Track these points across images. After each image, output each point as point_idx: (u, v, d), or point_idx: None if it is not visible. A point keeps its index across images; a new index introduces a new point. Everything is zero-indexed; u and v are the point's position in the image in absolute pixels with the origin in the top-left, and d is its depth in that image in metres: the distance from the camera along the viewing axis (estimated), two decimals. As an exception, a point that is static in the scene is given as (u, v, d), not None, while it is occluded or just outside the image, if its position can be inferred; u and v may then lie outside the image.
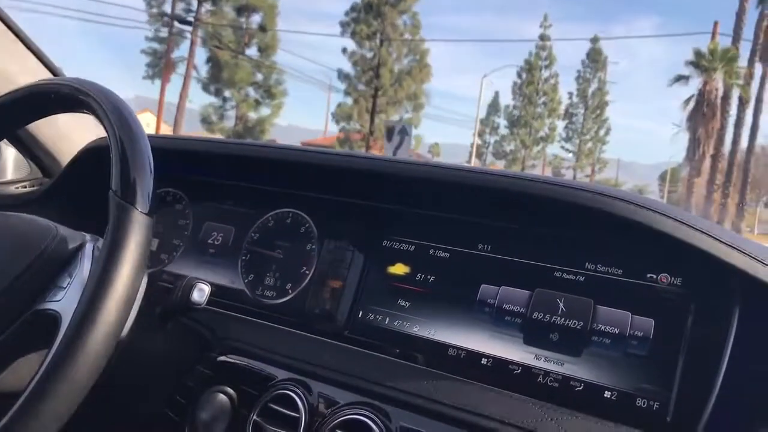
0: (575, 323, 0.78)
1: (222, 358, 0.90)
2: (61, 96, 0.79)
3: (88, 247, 0.75)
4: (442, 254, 0.89)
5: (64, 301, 0.69)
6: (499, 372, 0.80)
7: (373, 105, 25.05)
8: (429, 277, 0.88)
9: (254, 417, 0.79)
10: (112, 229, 0.65)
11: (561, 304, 0.80)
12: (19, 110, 0.85)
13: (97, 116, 0.75)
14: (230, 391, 0.84)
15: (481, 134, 40.07)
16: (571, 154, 42.70)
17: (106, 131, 0.72)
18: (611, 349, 0.76)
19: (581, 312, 0.78)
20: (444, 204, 0.90)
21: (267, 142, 1.16)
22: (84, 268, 0.72)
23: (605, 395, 0.74)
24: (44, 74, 1.24)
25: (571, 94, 41.35)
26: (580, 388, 0.76)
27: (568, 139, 42.40)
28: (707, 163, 24.89)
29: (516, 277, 0.83)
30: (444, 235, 0.89)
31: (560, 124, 40.75)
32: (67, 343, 0.60)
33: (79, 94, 0.77)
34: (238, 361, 0.88)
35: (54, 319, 0.67)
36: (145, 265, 0.67)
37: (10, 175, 1.33)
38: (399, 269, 0.91)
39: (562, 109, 39.82)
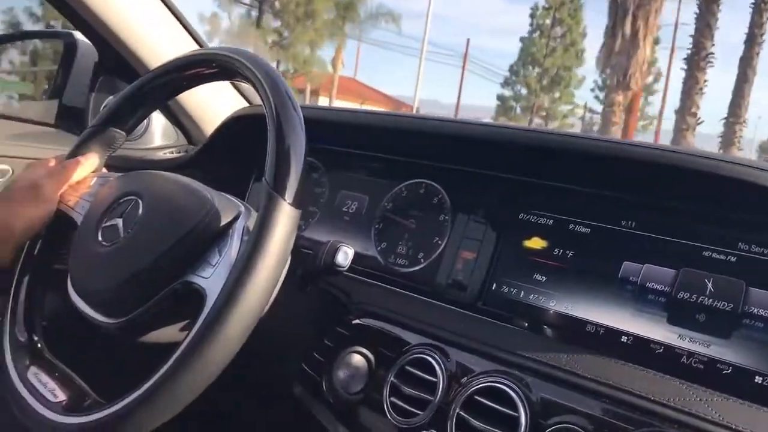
0: (724, 305, 0.75)
1: (358, 321, 0.93)
2: (221, 65, 0.83)
3: (239, 225, 0.77)
4: (583, 229, 0.87)
5: (212, 280, 0.71)
6: (640, 350, 0.78)
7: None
8: (567, 252, 0.87)
9: (391, 378, 0.82)
10: (261, 219, 0.68)
11: (709, 285, 0.77)
12: (180, 77, 0.90)
13: (254, 87, 0.78)
14: (367, 352, 0.88)
15: (509, 84, 33.65)
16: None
17: (264, 105, 0.75)
18: (764, 333, 0.73)
19: (732, 294, 0.75)
20: (585, 177, 0.89)
21: (401, 113, 1.17)
22: (233, 247, 0.74)
23: (756, 380, 0.71)
24: (193, 47, 1.31)
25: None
26: (728, 371, 0.73)
27: (603, 87, 34.80)
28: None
29: (661, 256, 0.81)
30: (585, 209, 0.88)
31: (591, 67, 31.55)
32: (209, 324, 0.64)
33: (237, 63, 0.80)
34: (373, 325, 0.91)
35: (200, 294, 0.70)
36: (288, 255, 0.69)
37: (158, 141, 1.42)
38: (536, 243, 0.90)
39: (585, 42, 31.40)
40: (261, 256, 0.66)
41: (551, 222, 0.90)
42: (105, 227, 0.80)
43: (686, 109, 18.07)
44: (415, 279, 1.00)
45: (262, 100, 0.76)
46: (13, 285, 0.88)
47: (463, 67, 34.37)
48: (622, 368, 0.74)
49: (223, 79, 0.87)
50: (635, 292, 0.81)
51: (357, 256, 1.06)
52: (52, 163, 0.94)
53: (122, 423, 0.65)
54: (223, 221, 0.77)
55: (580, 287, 0.85)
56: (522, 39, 32.84)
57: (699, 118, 17.93)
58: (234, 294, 0.65)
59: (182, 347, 0.65)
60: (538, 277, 0.88)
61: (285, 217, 0.68)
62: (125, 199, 0.82)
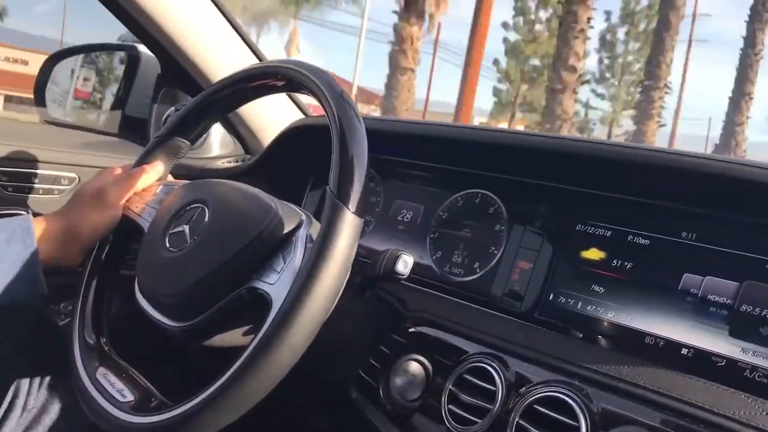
0: None
1: (414, 329, 0.94)
2: (286, 77, 0.86)
3: (302, 233, 0.78)
4: (642, 241, 0.87)
5: (277, 286, 0.73)
6: (701, 363, 0.78)
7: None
8: (626, 263, 0.87)
9: (450, 386, 0.83)
10: (326, 227, 0.69)
11: None
12: (244, 90, 0.93)
13: (318, 99, 0.81)
14: (424, 360, 0.89)
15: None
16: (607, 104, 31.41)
17: (328, 117, 0.77)
18: None
19: None
20: (644, 188, 0.88)
21: (455, 124, 1.19)
22: (297, 255, 0.76)
23: (823, 396, 0.70)
24: (252, 60, 1.35)
25: (608, 13, 29.58)
26: (794, 386, 0.72)
27: (601, 80, 31.34)
28: None
29: (723, 268, 0.80)
30: (644, 221, 0.88)
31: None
32: (274, 329, 0.66)
33: (300, 76, 0.83)
34: (430, 333, 0.92)
35: (266, 300, 0.72)
36: (351, 263, 0.71)
37: (216, 151, 1.46)
38: (593, 254, 0.90)
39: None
40: (325, 264, 0.68)
41: (609, 233, 0.90)
42: (172, 233, 0.83)
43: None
44: (470, 288, 1.01)
45: (326, 111, 0.78)
46: (82, 288, 0.92)
47: (434, 55, 31.44)
48: (684, 380, 0.73)
49: (288, 91, 0.90)
50: (696, 305, 0.80)
51: (413, 265, 1.08)
52: (118, 171, 0.98)
53: (189, 423, 0.67)
54: (287, 229, 0.79)
55: (639, 299, 0.85)
56: (504, 24, 30.09)
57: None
58: (299, 300, 0.66)
59: (249, 351, 0.67)
60: (596, 288, 0.88)
61: (348, 226, 0.70)
62: (192, 206, 0.85)
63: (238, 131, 1.41)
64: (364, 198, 0.73)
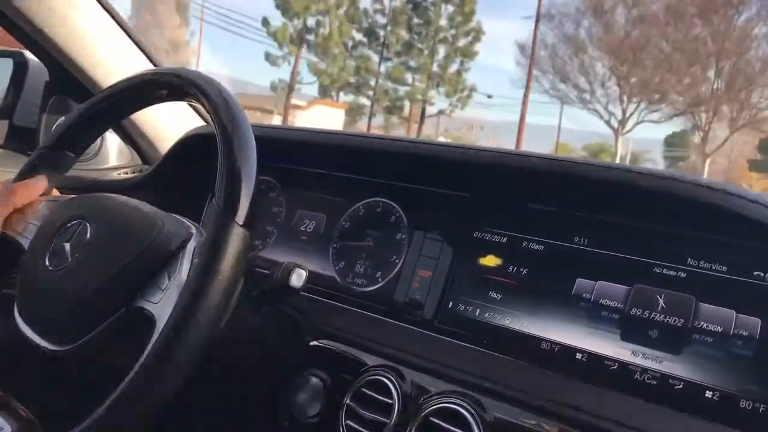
0: (676, 320, 0.76)
1: (315, 342, 0.92)
2: (171, 86, 0.82)
3: (189, 248, 0.75)
4: (536, 247, 0.88)
5: (160, 305, 0.70)
6: (595, 367, 0.79)
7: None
8: (522, 269, 0.88)
9: (347, 401, 0.81)
10: (210, 240, 0.67)
11: (661, 301, 0.78)
12: (129, 99, 0.89)
13: (205, 108, 0.78)
14: (323, 375, 0.87)
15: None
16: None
17: (214, 126, 0.74)
18: (714, 349, 0.74)
19: (682, 309, 0.76)
20: (538, 195, 0.89)
21: (357, 132, 1.17)
22: (183, 271, 0.72)
23: (706, 395, 0.72)
24: (145, 65, 1.30)
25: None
26: (680, 386, 0.74)
27: (408, 50, 26.28)
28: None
29: (614, 272, 0.82)
30: (538, 227, 0.88)
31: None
32: (157, 351, 0.63)
33: (187, 84, 0.80)
34: (331, 346, 0.90)
35: (150, 320, 0.69)
36: (240, 277, 0.68)
37: (112, 162, 1.40)
38: (490, 261, 0.91)
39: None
40: (211, 279, 0.65)
41: (505, 239, 0.90)
42: (52, 252, 0.78)
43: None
44: (373, 298, 0.99)
45: (212, 120, 0.75)
46: None
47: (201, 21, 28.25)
48: (577, 387, 0.74)
49: (174, 100, 0.86)
50: (589, 309, 0.81)
51: (315, 276, 1.05)
52: None
53: None
54: (174, 244, 0.75)
55: (534, 305, 0.85)
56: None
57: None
58: (183, 319, 0.63)
59: (131, 375, 0.63)
60: (493, 294, 0.89)
61: (236, 238, 0.67)
62: (73, 222, 0.80)
63: (135, 140, 1.36)
64: (253, 209, 0.70)
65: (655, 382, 0.75)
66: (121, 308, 0.72)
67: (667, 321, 0.77)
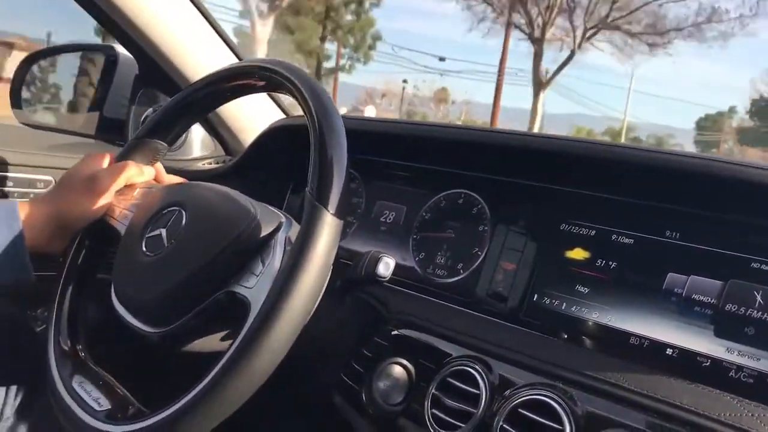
0: None
1: (397, 331, 0.93)
2: (264, 77, 0.84)
3: (281, 236, 0.77)
4: (626, 240, 0.86)
5: (255, 290, 0.72)
6: (686, 363, 0.77)
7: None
8: (610, 263, 0.86)
9: (433, 390, 0.81)
10: (305, 229, 0.68)
11: (759, 297, 0.75)
12: (221, 90, 0.92)
13: (297, 99, 0.79)
14: (407, 363, 0.87)
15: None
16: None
17: (306, 116, 0.76)
18: None
19: None
20: (628, 187, 0.87)
21: (438, 123, 1.17)
22: (276, 257, 0.74)
23: (808, 396, 0.70)
24: (231, 59, 1.33)
25: None
26: (779, 386, 0.72)
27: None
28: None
29: (707, 267, 0.79)
30: (628, 220, 0.87)
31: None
32: (253, 333, 0.64)
33: (279, 76, 0.81)
34: (413, 336, 0.91)
35: (244, 304, 0.71)
36: (331, 264, 0.69)
37: (196, 152, 1.44)
38: (577, 254, 0.89)
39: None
40: (305, 266, 0.66)
41: (593, 233, 0.89)
42: (149, 237, 0.82)
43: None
44: (454, 290, 0.99)
45: (304, 111, 0.77)
46: (58, 294, 0.90)
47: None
48: (669, 381, 0.72)
49: (266, 91, 0.88)
50: (680, 304, 0.80)
51: (395, 267, 1.06)
52: (107, 158, 0.95)
53: (166, 431, 0.66)
54: (266, 231, 0.77)
55: (623, 299, 0.84)
56: None
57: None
58: (278, 303, 0.65)
59: (228, 355, 0.65)
60: (580, 288, 0.87)
61: (328, 228, 0.69)
62: (169, 209, 0.83)
63: (218, 132, 1.39)
64: (345, 199, 0.71)
65: (751, 381, 0.73)
66: (216, 293, 0.74)
67: (765, 318, 0.74)
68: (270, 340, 0.64)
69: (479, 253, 0.99)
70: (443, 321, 0.91)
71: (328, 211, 0.69)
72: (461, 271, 1.00)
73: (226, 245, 0.75)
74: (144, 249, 0.81)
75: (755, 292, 0.76)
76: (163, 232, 0.81)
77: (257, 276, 0.74)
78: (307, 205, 0.70)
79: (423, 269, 1.04)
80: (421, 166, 1.12)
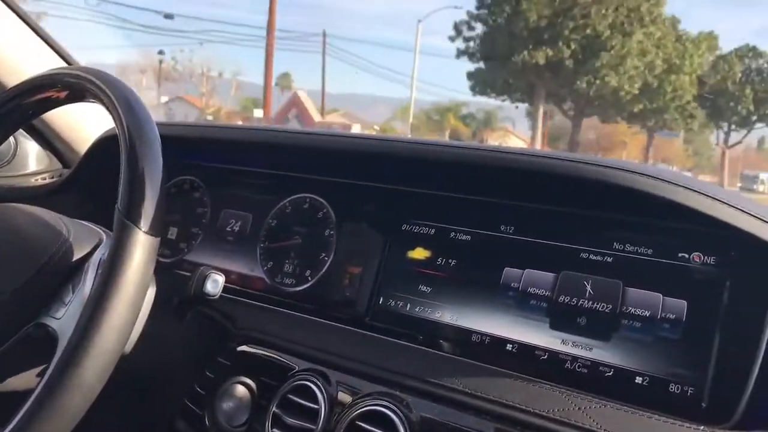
0: (604, 306, 0.75)
1: (242, 348, 0.88)
2: (70, 86, 0.77)
3: (95, 257, 0.72)
4: (464, 237, 0.86)
5: (64, 319, 0.67)
6: (525, 358, 0.77)
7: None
8: (450, 261, 0.85)
9: (273, 408, 0.78)
10: (113, 250, 0.62)
11: (588, 287, 0.76)
12: (27, 103, 0.83)
13: (106, 108, 0.73)
14: (250, 381, 0.83)
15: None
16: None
17: (117, 129, 0.70)
18: (642, 333, 0.73)
19: (610, 294, 0.75)
20: (464, 185, 0.87)
21: (281, 127, 1.13)
22: (87, 283, 0.70)
23: (636, 381, 0.71)
24: (58, 64, 1.23)
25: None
26: (610, 373, 0.73)
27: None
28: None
29: (541, 260, 0.80)
30: (465, 217, 0.86)
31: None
32: (60, 370, 0.59)
33: (86, 83, 0.75)
34: (257, 351, 0.87)
35: (52, 336, 0.66)
36: (147, 287, 0.64)
37: (31, 167, 1.32)
38: (419, 253, 0.88)
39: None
40: (115, 290, 0.61)
41: (433, 231, 0.88)
42: None
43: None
44: (303, 298, 0.96)
45: (114, 121, 0.71)
46: None
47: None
48: (506, 380, 0.72)
49: (73, 102, 0.81)
50: (517, 298, 0.80)
51: (242, 278, 1.02)
52: None
53: None
54: (79, 254, 0.72)
55: (464, 296, 0.83)
56: None
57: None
58: (87, 333, 0.59)
59: (34, 395, 0.59)
60: (423, 288, 0.86)
61: (140, 247, 0.63)
62: None
63: (52, 144, 1.28)
64: (159, 215, 0.66)
65: (585, 371, 0.74)
66: (24, 326, 0.69)
67: (596, 307, 0.76)
68: (79, 376, 0.59)
69: (326, 258, 0.96)
70: (289, 333, 0.88)
71: (140, 228, 0.64)
72: (309, 278, 0.96)
73: (34, 273, 0.69)
74: None
75: (585, 282, 0.77)
76: None
77: (66, 305, 0.69)
78: (116, 224, 0.64)
79: (272, 279, 1.00)
80: (266, 172, 1.07)
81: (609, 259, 0.77)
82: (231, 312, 0.94)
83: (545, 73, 23.43)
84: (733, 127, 38.41)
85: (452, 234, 0.87)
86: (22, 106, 0.83)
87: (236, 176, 1.10)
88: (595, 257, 0.77)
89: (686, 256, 0.73)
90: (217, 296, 0.79)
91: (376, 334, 0.86)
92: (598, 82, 24.35)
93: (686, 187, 0.70)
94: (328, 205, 0.99)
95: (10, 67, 1.14)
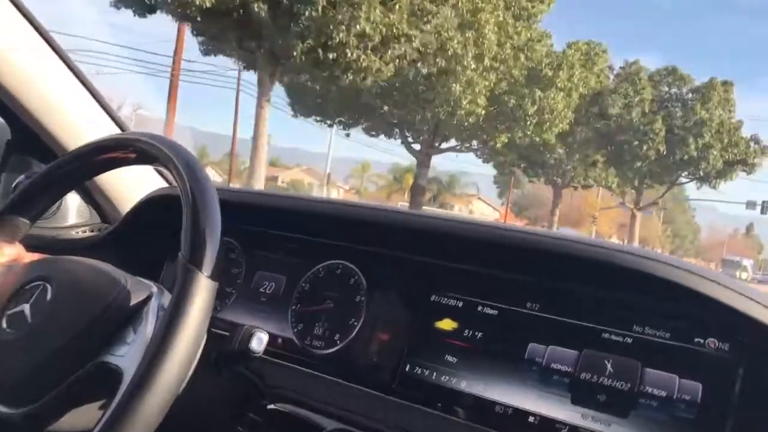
0: (623, 384, 0.79)
1: (272, 406, 0.92)
2: (138, 150, 0.84)
3: (153, 303, 0.77)
4: (491, 311, 0.91)
5: (127, 358, 0.71)
6: (547, 430, 0.81)
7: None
8: (477, 333, 0.90)
9: None
10: (178, 292, 0.67)
11: (609, 366, 0.81)
12: (94, 163, 0.90)
13: (171, 172, 0.79)
14: None
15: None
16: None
17: (179, 188, 0.76)
18: (659, 412, 0.77)
19: (629, 374, 0.80)
20: (492, 262, 0.93)
21: (320, 198, 1.20)
22: (148, 325, 0.74)
23: (653, 458, 0.75)
24: (111, 129, 1.31)
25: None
26: (628, 450, 0.76)
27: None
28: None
29: (564, 337, 0.85)
30: (493, 292, 0.91)
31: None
32: (125, 402, 0.63)
33: (154, 148, 0.82)
34: (287, 410, 0.91)
35: (116, 374, 0.70)
36: (206, 328, 0.69)
37: (72, 220, 1.39)
38: (447, 324, 0.93)
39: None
40: (178, 329, 0.65)
41: (461, 304, 0.93)
42: (10, 314, 0.78)
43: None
44: (331, 361, 1.00)
45: (177, 182, 0.77)
46: None
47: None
48: None
49: (139, 164, 0.88)
50: (541, 373, 0.84)
51: (274, 338, 1.06)
52: None
53: None
54: (136, 300, 0.76)
55: (489, 368, 0.87)
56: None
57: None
58: (150, 369, 0.64)
59: (100, 425, 0.63)
60: (449, 358, 0.90)
61: (202, 290, 0.68)
62: (32, 284, 0.80)
63: (94, 199, 1.35)
64: (219, 262, 0.71)
65: None
66: (85, 365, 0.72)
67: (615, 385, 0.80)
68: (143, 407, 0.63)
69: (356, 323, 1.00)
70: (318, 394, 0.92)
71: (202, 273, 0.69)
72: (338, 342, 1.01)
73: (95, 317, 0.74)
74: (5, 326, 0.77)
75: (605, 361, 0.81)
76: (26, 308, 0.78)
77: (129, 345, 0.73)
78: (180, 268, 0.70)
79: (301, 341, 1.04)
80: (301, 237, 1.13)
81: (629, 340, 0.81)
82: (261, 370, 0.98)
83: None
84: (647, 182, 30.72)
85: (479, 307, 0.92)
86: (90, 164, 0.90)
87: (272, 240, 1.16)
88: (616, 338, 0.82)
89: (701, 341, 0.78)
90: (260, 353, 0.84)
91: (401, 400, 0.90)
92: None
93: (701, 276, 0.75)
94: (359, 273, 1.04)
95: (69, 127, 1.22)
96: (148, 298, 0.77)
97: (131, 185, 1.34)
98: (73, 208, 1.39)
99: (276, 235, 1.16)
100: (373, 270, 1.03)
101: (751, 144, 28.03)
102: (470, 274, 0.94)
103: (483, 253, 0.93)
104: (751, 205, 32.53)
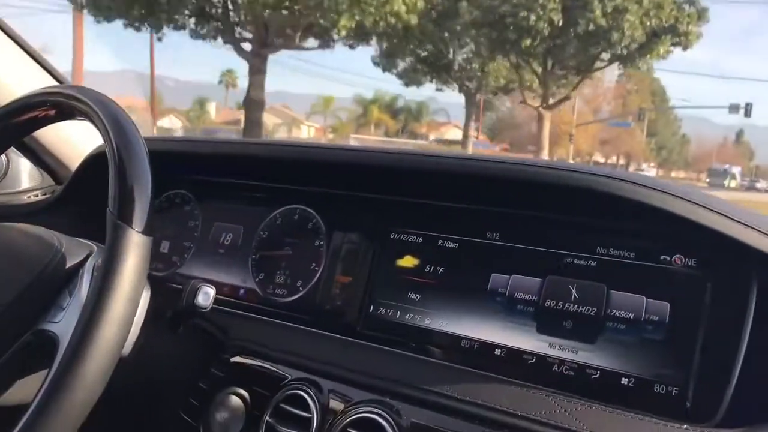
0: (589, 309, 0.76)
1: (235, 359, 0.89)
2: (57, 105, 0.78)
3: (89, 264, 0.74)
4: (451, 245, 0.87)
5: (63, 323, 0.68)
6: (513, 362, 0.78)
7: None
8: (438, 268, 0.87)
9: (266, 418, 0.79)
10: (108, 250, 0.63)
11: (573, 291, 0.78)
12: (17, 122, 0.84)
13: (95, 125, 0.74)
14: (243, 392, 0.84)
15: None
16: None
17: (105, 144, 0.71)
18: (626, 335, 0.74)
19: (594, 298, 0.77)
20: (450, 194, 0.88)
21: (271, 140, 1.15)
22: (83, 287, 0.71)
23: (622, 382, 0.73)
24: (49, 82, 1.24)
25: None
26: (596, 375, 0.74)
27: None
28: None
29: (527, 265, 0.81)
30: (452, 225, 0.88)
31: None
32: (62, 370, 0.60)
33: (75, 102, 0.76)
34: (250, 362, 0.88)
35: (53, 341, 0.67)
36: (143, 285, 0.65)
37: (23, 185, 1.33)
38: (408, 262, 0.89)
39: None
40: (112, 288, 0.62)
41: (421, 239, 0.89)
42: None
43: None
44: (294, 308, 0.97)
45: (103, 138, 0.72)
46: None
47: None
48: (494, 384, 0.74)
49: (62, 120, 0.82)
50: (505, 304, 0.81)
51: (235, 289, 1.03)
52: None
53: None
54: (72, 262, 0.74)
55: (452, 302, 0.84)
56: None
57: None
58: (85, 333, 0.60)
59: (39, 396, 0.60)
60: (412, 295, 0.87)
61: (134, 246, 0.64)
62: None
63: (43, 160, 1.29)
64: (151, 215, 0.67)
65: (572, 373, 0.75)
66: (24, 333, 0.70)
67: (581, 311, 0.77)
68: (82, 374, 0.59)
69: (317, 268, 0.97)
70: (282, 344, 0.89)
71: (133, 228, 0.65)
72: (300, 288, 0.98)
73: (29, 284, 0.71)
74: None
75: (570, 286, 0.78)
76: None
77: (64, 309, 0.70)
78: (109, 225, 0.65)
79: (263, 290, 1.01)
80: (256, 184, 1.09)
81: (593, 264, 0.78)
82: (224, 324, 0.95)
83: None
84: (557, 70, 22.38)
85: (440, 242, 0.88)
86: (11, 126, 0.84)
87: (226, 189, 1.12)
88: (579, 262, 0.79)
89: (668, 258, 0.75)
90: (208, 308, 0.80)
91: (367, 343, 0.87)
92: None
93: (665, 192, 0.71)
94: (317, 216, 1.00)
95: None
96: (85, 259, 0.74)
97: (77, 142, 1.28)
98: (24, 172, 1.34)
99: (229, 184, 1.11)
100: (330, 212, 0.99)
101: (685, 6, 19.88)
102: (428, 208, 0.90)
103: (439, 185, 0.89)
104: (734, 108, 27.93)
